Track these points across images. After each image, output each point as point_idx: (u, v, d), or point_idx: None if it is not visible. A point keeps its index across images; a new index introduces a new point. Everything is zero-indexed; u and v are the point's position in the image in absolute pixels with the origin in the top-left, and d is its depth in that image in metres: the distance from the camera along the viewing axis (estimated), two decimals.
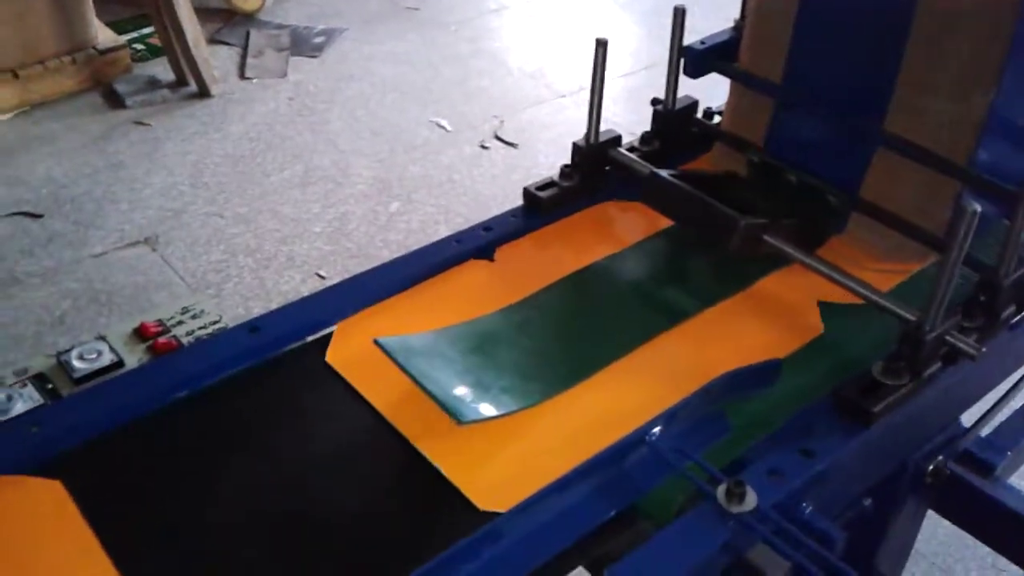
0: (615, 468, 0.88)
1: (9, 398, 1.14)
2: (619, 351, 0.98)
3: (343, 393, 0.98)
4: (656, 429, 0.90)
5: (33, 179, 2.60)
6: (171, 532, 0.86)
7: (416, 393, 0.95)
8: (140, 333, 1.25)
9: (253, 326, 1.03)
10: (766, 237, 1.04)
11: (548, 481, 0.85)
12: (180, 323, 1.28)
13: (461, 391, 0.92)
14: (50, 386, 1.17)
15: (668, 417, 0.91)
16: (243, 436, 0.96)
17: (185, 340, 1.24)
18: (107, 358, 1.20)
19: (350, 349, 1.02)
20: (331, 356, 1.01)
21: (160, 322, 1.27)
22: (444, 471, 0.88)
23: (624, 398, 0.93)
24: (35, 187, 2.57)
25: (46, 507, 0.89)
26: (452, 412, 0.87)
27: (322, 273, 2.40)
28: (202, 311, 1.31)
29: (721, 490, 0.80)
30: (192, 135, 2.81)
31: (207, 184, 2.62)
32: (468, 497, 0.86)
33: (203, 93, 2.96)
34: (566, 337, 1.02)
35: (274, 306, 2.24)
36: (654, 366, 0.98)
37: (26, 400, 1.14)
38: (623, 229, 1.19)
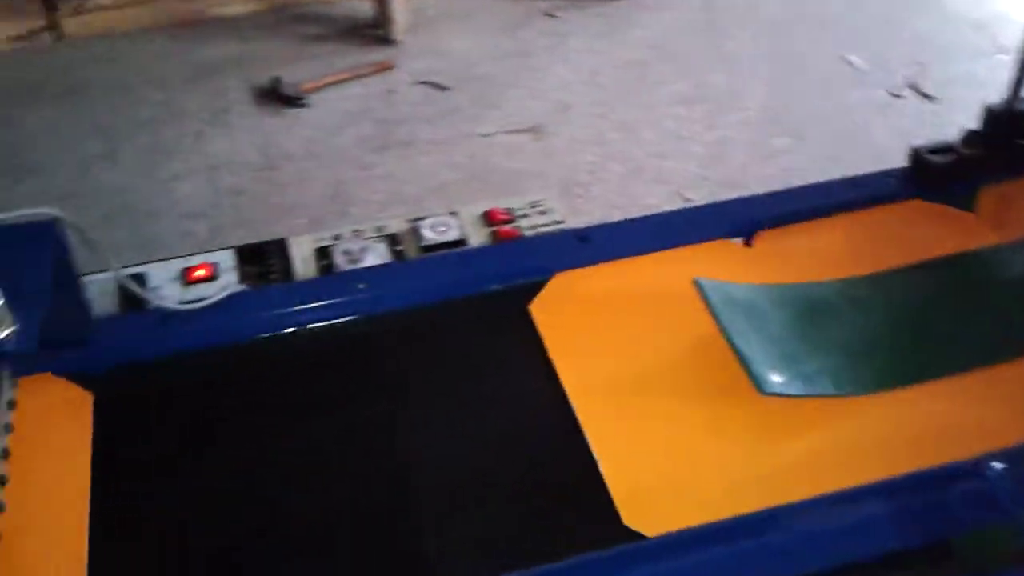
0: (931, 494, 0.76)
1: (363, 250, 1.24)
2: (968, 363, 0.84)
3: (533, 350, 0.93)
4: (997, 464, 0.76)
5: (448, 53, 2.79)
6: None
7: (607, 378, 0.90)
8: (488, 217, 1.30)
9: (583, 235, 1.02)
10: None
11: (727, 512, 0.74)
12: (526, 216, 1.30)
13: (772, 357, 0.84)
14: (399, 248, 1.25)
15: (1016, 455, 0.76)
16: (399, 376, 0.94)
17: (527, 232, 1.27)
18: (453, 234, 1.26)
19: (556, 304, 0.98)
20: (535, 307, 0.98)
21: (509, 211, 1.31)
22: (601, 468, 0.82)
23: (961, 417, 0.79)
24: (448, 61, 2.75)
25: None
26: (755, 378, 0.80)
27: (688, 195, 2.34)
28: (550, 208, 1.32)
29: None
30: (597, 35, 2.84)
31: (599, 85, 2.65)
32: (616, 506, 0.79)
33: None
34: (909, 330, 0.89)
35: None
36: (1005, 392, 0.82)
37: (376, 256, 1.23)
38: (953, 233, 1.00)
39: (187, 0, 2.91)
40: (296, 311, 0.99)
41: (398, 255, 1.24)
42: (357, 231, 1.28)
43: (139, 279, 1.16)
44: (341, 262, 1.21)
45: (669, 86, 2.64)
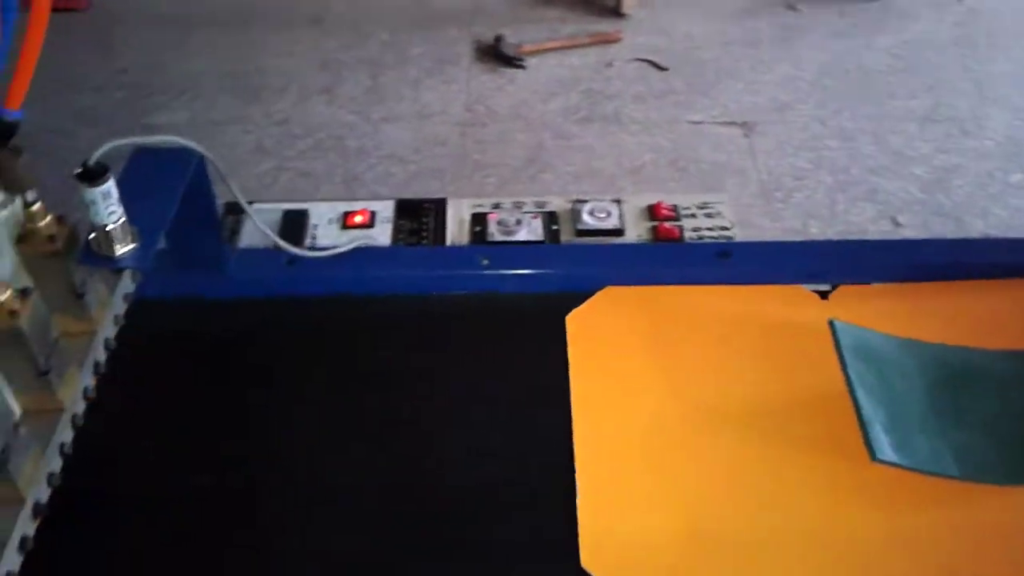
0: None
1: (519, 223, 1.23)
2: None
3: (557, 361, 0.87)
4: None
5: (672, 32, 2.71)
6: None
7: (619, 411, 0.83)
8: (652, 212, 1.25)
9: (724, 251, 0.96)
10: None
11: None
12: (692, 216, 1.25)
13: (897, 421, 0.75)
14: (555, 227, 1.23)
15: None
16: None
17: (688, 235, 1.21)
18: (611, 222, 1.22)
19: (593, 319, 0.90)
20: (571, 320, 0.91)
21: (674, 208, 1.25)
22: (579, 508, 0.77)
23: None
24: (672, 41, 2.68)
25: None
26: (870, 440, 0.72)
27: (900, 220, 2.17)
28: (719, 213, 1.25)
29: None
30: (836, 34, 2.67)
31: (826, 88, 2.49)
32: (579, 542, 0.75)
33: None
34: None
35: (831, 234, 2.10)
36: None
37: (529, 231, 1.21)
38: None
39: None
40: (400, 275, 0.99)
41: (553, 235, 1.22)
42: (518, 203, 1.27)
43: (302, 215, 1.21)
44: (494, 231, 1.21)
45: (904, 100, 2.44)
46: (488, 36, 2.67)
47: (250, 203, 1.08)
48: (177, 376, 0.91)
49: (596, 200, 1.26)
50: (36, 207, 0.74)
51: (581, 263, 1.03)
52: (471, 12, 2.80)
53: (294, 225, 1.19)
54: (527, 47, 2.62)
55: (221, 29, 2.73)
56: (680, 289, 1.00)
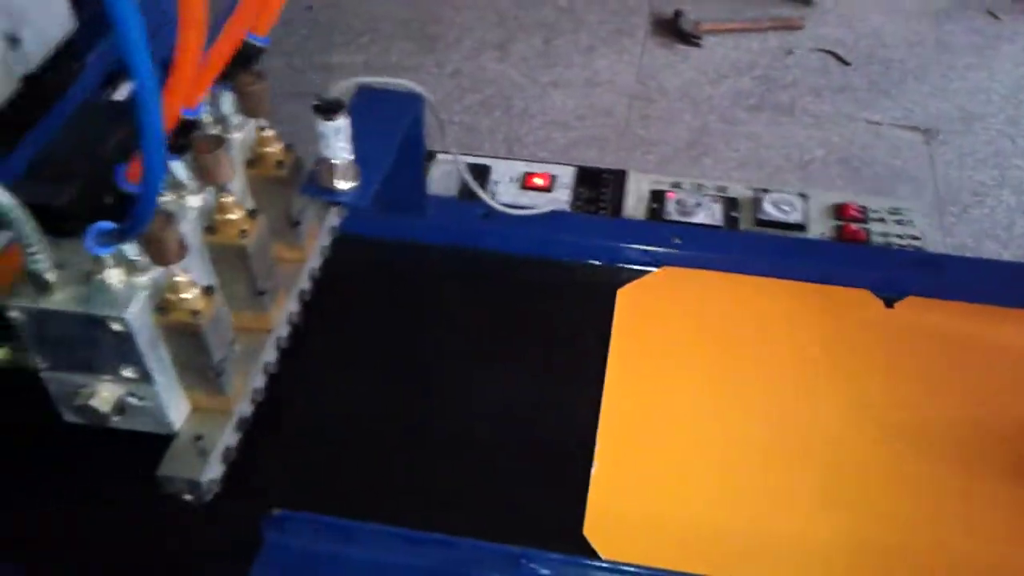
0: None
1: (698, 204, 1.20)
2: None
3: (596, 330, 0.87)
4: None
5: (859, 26, 2.60)
6: None
7: (655, 393, 0.85)
8: (839, 210, 1.20)
9: (928, 260, 0.91)
10: None
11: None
12: (881, 220, 1.20)
13: None
14: (734, 214, 1.20)
15: None
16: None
17: (875, 239, 1.16)
18: (795, 216, 1.19)
19: (648, 297, 0.89)
20: (623, 294, 0.89)
21: (863, 210, 1.21)
22: (593, 474, 0.78)
23: None
24: (858, 34, 2.57)
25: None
26: None
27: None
28: (911, 221, 1.20)
29: None
30: None
31: (1020, 103, 2.35)
32: (586, 512, 0.76)
33: None
34: None
35: (1007, 256, 1.99)
36: None
37: (708, 215, 1.19)
38: None
39: None
40: (592, 243, 0.99)
41: (731, 221, 1.19)
42: (699, 184, 1.24)
43: (484, 170, 1.22)
44: (672, 210, 1.19)
45: None
46: (667, 10, 2.62)
47: (433, 154, 1.09)
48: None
49: (780, 192, 1.22)
50: (268, 133, 0.77)
51: (795, 256, 1.00)
52: None
53: (476, 178, 1.20)
54: (706, 25, 2.56)
55: None
56: (741, 278, 0.99)
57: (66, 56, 0.75)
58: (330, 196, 0.76)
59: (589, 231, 1.00)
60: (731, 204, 1.21)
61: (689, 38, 2.53)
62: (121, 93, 0.81)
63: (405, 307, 0.95)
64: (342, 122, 0.72)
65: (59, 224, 0.66)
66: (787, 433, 0.85)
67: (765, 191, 1.23)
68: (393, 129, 0.82)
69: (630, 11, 2.66)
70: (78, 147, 0.70)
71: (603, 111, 2.34)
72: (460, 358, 0.91)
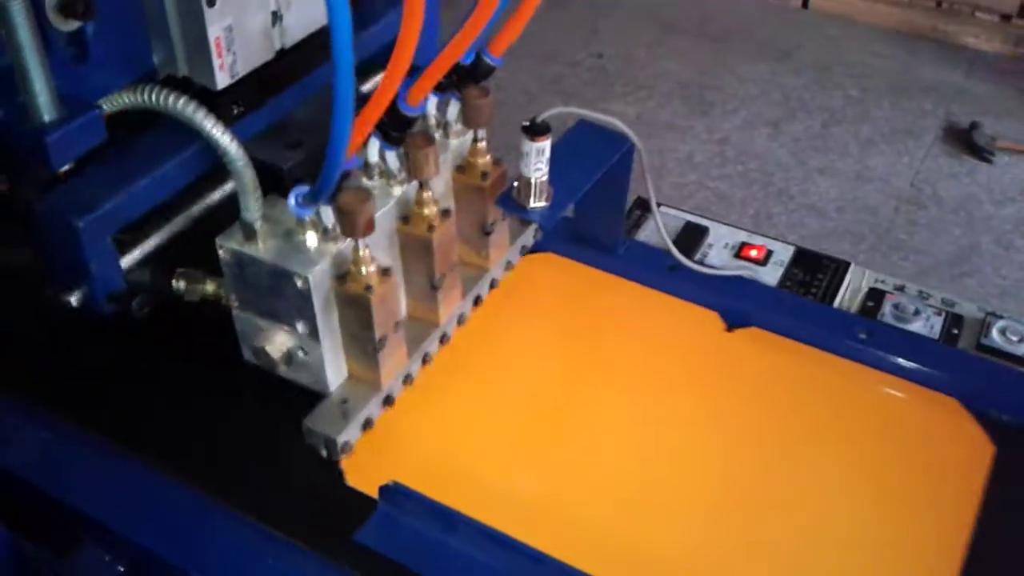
0: None
1: (916, 313, 1.14)
2: None
3: None
4: None
5: None
6: None
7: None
8: None
9: None
10: None
11: None
12: None
13: None
14: (955, 331, 1.12)
15: None
16: None
17: None
18: (1021, 349, 1.09)
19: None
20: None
21: None
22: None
23: None
24: None
25: None
26: None
27: None
28: None
29: None
30: None
31: None
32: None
33: None
34: None
35: None
36: None
37: (924, 326, 1.12)
38: None
39: (938, 19, 2.82)
40: (770, 317, 0.96)
41: (951, 338, 1.11)
42: (924, 294, 1.17)
43: (702, 231, 1.22)
44: (887, 312, 1.13)
45: None
46: (963, 120, 2.48)
47: (659, 205, 1.11)
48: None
49: (1013, 320, 1.13)
50: (481, 144, 0.83)
51: (972, 376, 0.93)
52: (956, 91, 2.62)
53: (691, 237, 1.20)
54: (1004, 143, 2.40)
55: (695, 40, 2.81)
56: (616, 280, 1.01)
57: (320, 42, 0.84)
58: (521, 212, 0.80)
59: (769, 304, 0.98)
60: (955, 320, 1.13)
61: (981, 152, 2.38)
62: (367, 86, 0.90)
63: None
64: (545, 144, 0.76)
65: (278, 184, 0.75)
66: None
67: (997, 316, 1.14)
68: (597, 164, 0.86)
69: (923, 113, 2.54)
70: (313, 123, 0.79)
71: (867, 208, 2.25)
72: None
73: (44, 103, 0.68)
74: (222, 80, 0.78)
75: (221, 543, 0.76)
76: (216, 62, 0.77)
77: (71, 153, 0.71)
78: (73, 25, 0.71)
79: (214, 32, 0.76)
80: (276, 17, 0.81)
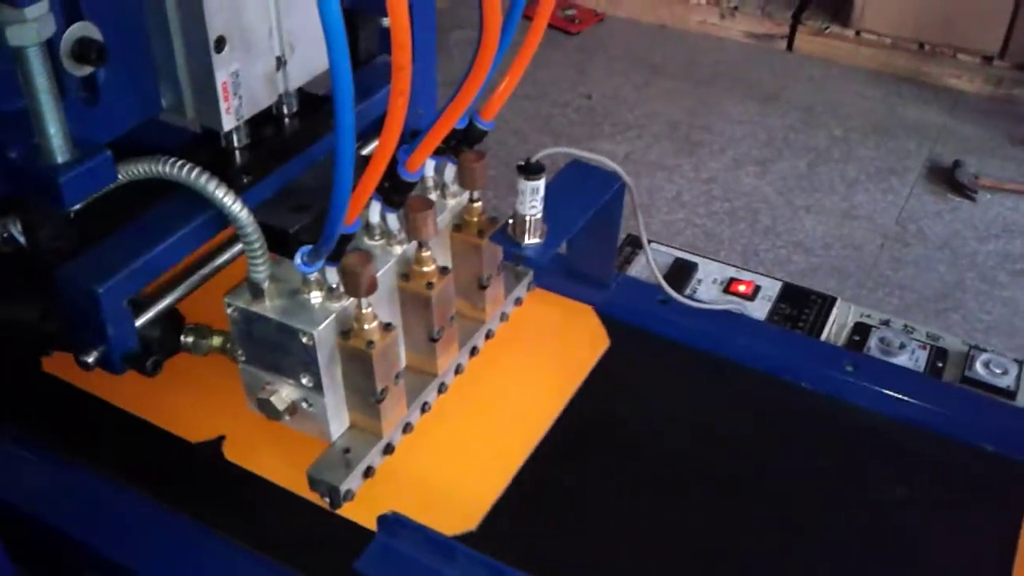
0: None
1: (901, 347, 1.16)
2: None
3: None
4: None
5: None
6: None
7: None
8: None
9: None
10: None
11: None
12: None
13: None
14: (940, 364, 1.15)
15: None
16: None
17: None
18: (1005, 381, 1.13)
19: None
20: None
21: None
22: None
23: None
24: None
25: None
26: None
27: None
28: None
29: None
30: None
31: None
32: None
33: None
34: None
35: None
36: None
37: (910, 359, 1.15)
38: None
39: (920, 61, 2.88)
40: (756, 350, 0.98)
41: (935, 371, 1.14)
42: (909, 328, 1.20)
43: (691, 267, 1.25)
44: (873, 346, 1.16)
45: None
46: (946, 159, 2.53)
47: (649, 241, 1.14)
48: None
49: (997, 354, 1.16)
50: (477, 204, 0.87)
51: (962, 410, 0.95)
52: (939, 130, 2.67)
53: (681, 273, 1.23)
54: (986, 181, 2.45)
55: (683, 82, 2.87)
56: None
57: (324, 113, 0.88)
58: (515, 248, 0.83)
59: (756, 337, 1.00)
60: (939, 354, 1.16)
61: (964, 190, 2.43)
62: (366, 149, 0.94)
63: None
64: (539, 184, 0.80)
65: (284, 246, 0.78)
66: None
67: (981, 349, 1.17)
68: (589, 202, 0.89)
69: (907, 154, 2.59)
70: (318, 187, 0.82)
71: (852, 244, 2.29)
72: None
73: (58, 146, 0.71)
74: (228, 123, 0.81)
75: (221, 574, 0.78)
76: (223, 105, 0.80)
77: (82, 194, 0.73)
78: (86, 70, 0.74)
79: (221, 77, 0.78)
80: (280, 62, 0.84)
